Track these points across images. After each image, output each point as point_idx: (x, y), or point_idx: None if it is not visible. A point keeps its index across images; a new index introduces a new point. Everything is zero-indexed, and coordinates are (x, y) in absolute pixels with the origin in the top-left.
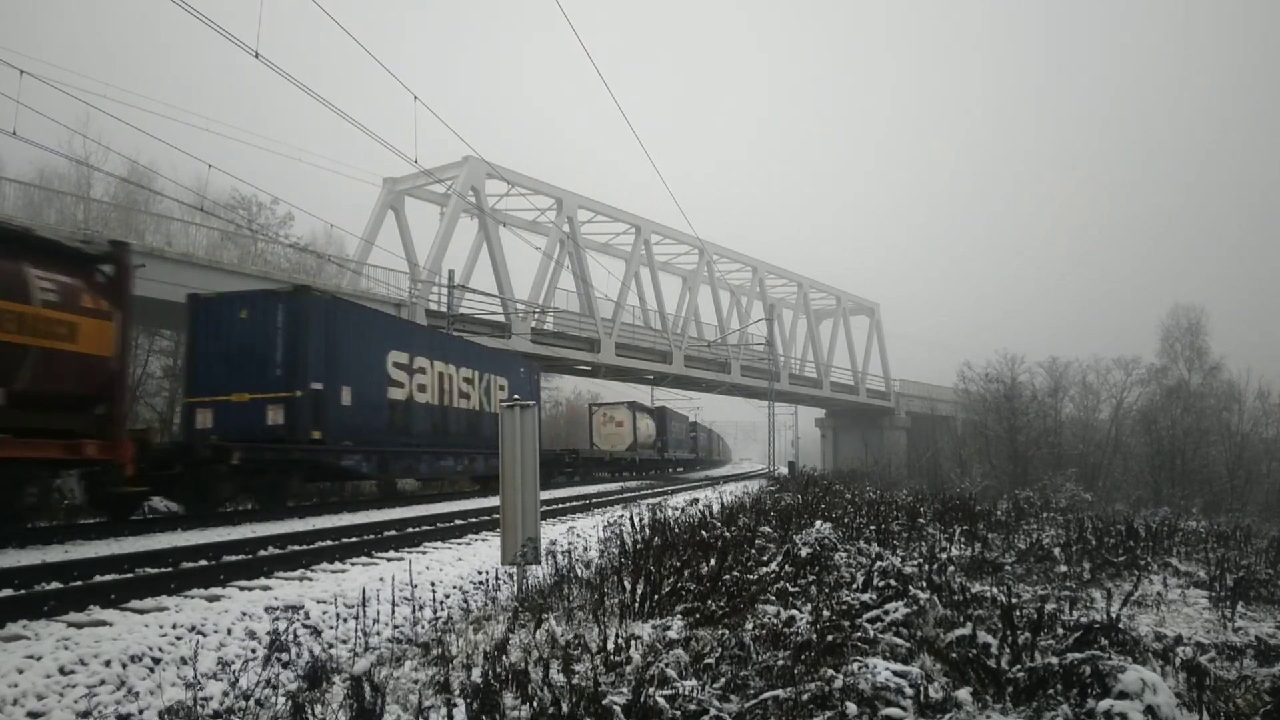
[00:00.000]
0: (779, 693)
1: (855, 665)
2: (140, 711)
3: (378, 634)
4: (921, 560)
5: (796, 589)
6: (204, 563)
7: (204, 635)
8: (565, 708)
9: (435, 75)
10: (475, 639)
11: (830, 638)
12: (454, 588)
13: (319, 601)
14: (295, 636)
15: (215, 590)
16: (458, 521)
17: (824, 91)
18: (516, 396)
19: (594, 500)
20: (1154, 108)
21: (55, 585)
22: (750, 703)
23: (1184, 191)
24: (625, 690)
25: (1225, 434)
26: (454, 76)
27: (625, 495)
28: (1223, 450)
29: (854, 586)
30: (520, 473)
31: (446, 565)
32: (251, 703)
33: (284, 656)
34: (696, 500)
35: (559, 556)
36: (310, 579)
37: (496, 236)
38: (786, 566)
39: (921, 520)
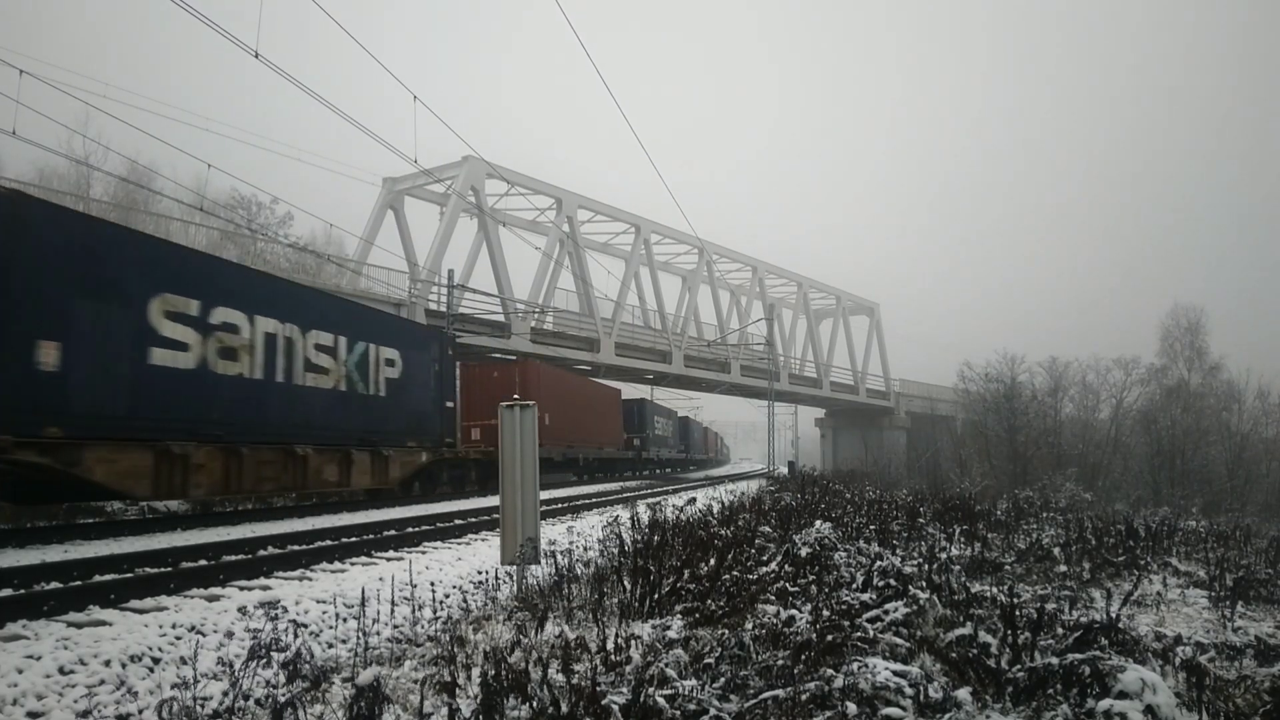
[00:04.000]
0: (779, 692)
1: (855, 665)
2: (140, 711)
3: (377, 634)
4: (921, 560)
5: (796, 589)
6: (203, 562)
7: (203, 635)
8: (565, 708)
9: (435, 75)
10: (475, 639)
11: (830, 637)
12: (454, 587)
13: (319, 601)
14: (277, 640)
15: (215, 590)
16: (457, 521)
17: (824, 93)
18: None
19: (594, 500)
20: (1155, 108)
21: (55, 585)
22: (750, 702)
23: (1184, 191)
24: (625, 690)
25: (1225, 434)
26: (454, 77)
27: (625, 495)
28: (1222, 450)
29: (854, 586)
30: (520, 473)
31: (446, 565)
32: (251, 703)
33: (279, 656)
34: (695, 500)
35: (558, 556)
36: (310, 579)
37: (496, 236)
38: (786, 566)
39: (921, 520)
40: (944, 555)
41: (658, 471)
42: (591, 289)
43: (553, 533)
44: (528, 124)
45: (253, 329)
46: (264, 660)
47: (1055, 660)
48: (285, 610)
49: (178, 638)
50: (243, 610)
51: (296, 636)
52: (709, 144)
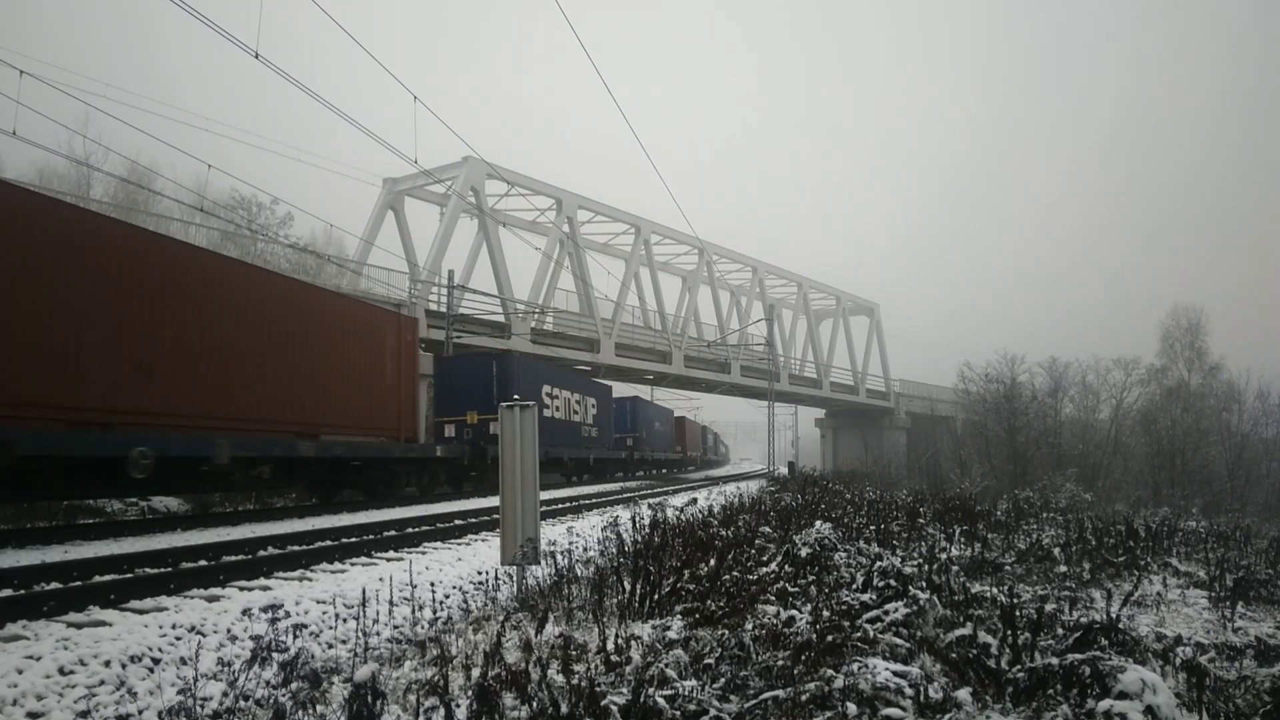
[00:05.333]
0: (779, 693)
1: (855, 665)
2: (140, 712)
3: (377, 634)
4: (921, 560)
5: (796, 589)
6: (203, 563)
7: (204, 635)
8: (565, 708)
9: (435, 75)
10: (475, 639)
11: (830, 638)
12: (454, 588)
13: (319, 602)
14: (278, 642)
15: (215, 590)
16: (457, 522)
17: (821, 90)
18: None
19: (594, 500)
20: (1153, 107)
21: (55, 585)
22: (750, 703)
23: (1183, 191)
24: (625, 690)
25: (1225, 434)
26: (454, 76)
27: (625, 495)
28: (1222, 450)
29: (854, 586)
30: (520, 473)
31: (446, 565)
32: (251, 703)
33: (279, 657)
34: (696, 500)
35: (558, 557)
36: (310, 579)
37: (496, 236)
38: (786, 567)
39: (921, 520)
40: (944, 556)
41: (580, 478)
42: (591, 289)
43: (553, 533)
44: (528, 121)
45: None
46: (264, 662)
47: (1055, 660)
48: (288, 614)
49: (178, 638)
50: (246, 612)
51: (296, 638)
52: (701, 139)
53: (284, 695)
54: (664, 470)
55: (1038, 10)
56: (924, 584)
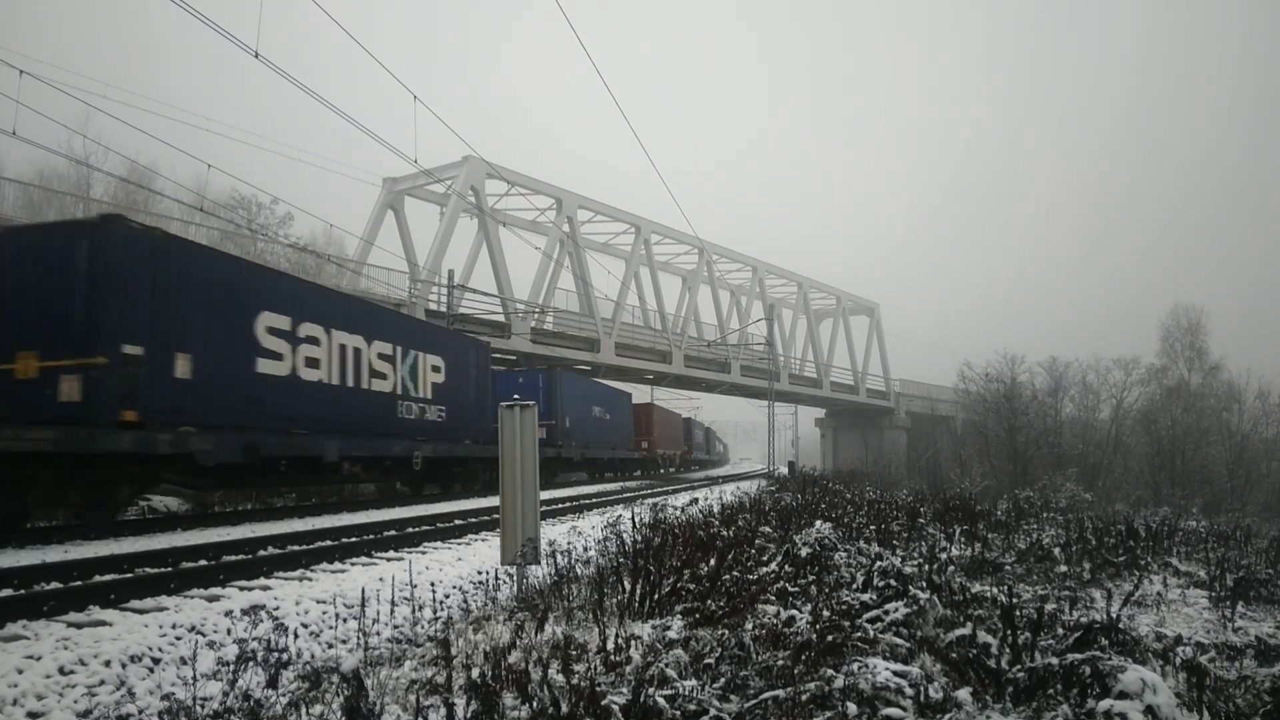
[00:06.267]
0: (779, 693)
1: (855, 665)
2: (140, 712)
3: (377, 634)
4: (921, 560)
5: (796, 589)
6: (203, 563)
7: (203, 635)
8: (565, 708)
9: (435, 75)
10: (475, 639)
11: (830, 638)
12: (454, 588)
13: (319, 601)
14: (276, 642)
15: (215, 590)
16: (457, 522)
17: (823, 91)
18: None
19: (595, 499)
20: (1154, 107)
21: (55, 585)
22: (750, 703)
23: (1184, 191)
24: (625, 690)
25: (1225, 434)
26: (454, 77)
27: (626, 495)
28: (1223, 450)
29: (854, 586)
30: (520, 473)
31: (446, 565)
32: (251, 703)
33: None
34: (696, 500)
35: (559, 557)
36: (310, 579)
37: (496, 236)
38: (786, 566)
39: (921, 520)
40: (944, 555)
41: (417, 489)
42: (591, 289)
43: (554, 533)
44: (527, 120)
45: None
46: (253, 664)
47: (1055, 660)
48: (269, 615)
49: (178, 638)
50: (229, 614)
51: (297, 638)
52: (704, 141)
53: (280, 696)
54: (612, 475)
55: (1041, 14)
56: (924, 584)
